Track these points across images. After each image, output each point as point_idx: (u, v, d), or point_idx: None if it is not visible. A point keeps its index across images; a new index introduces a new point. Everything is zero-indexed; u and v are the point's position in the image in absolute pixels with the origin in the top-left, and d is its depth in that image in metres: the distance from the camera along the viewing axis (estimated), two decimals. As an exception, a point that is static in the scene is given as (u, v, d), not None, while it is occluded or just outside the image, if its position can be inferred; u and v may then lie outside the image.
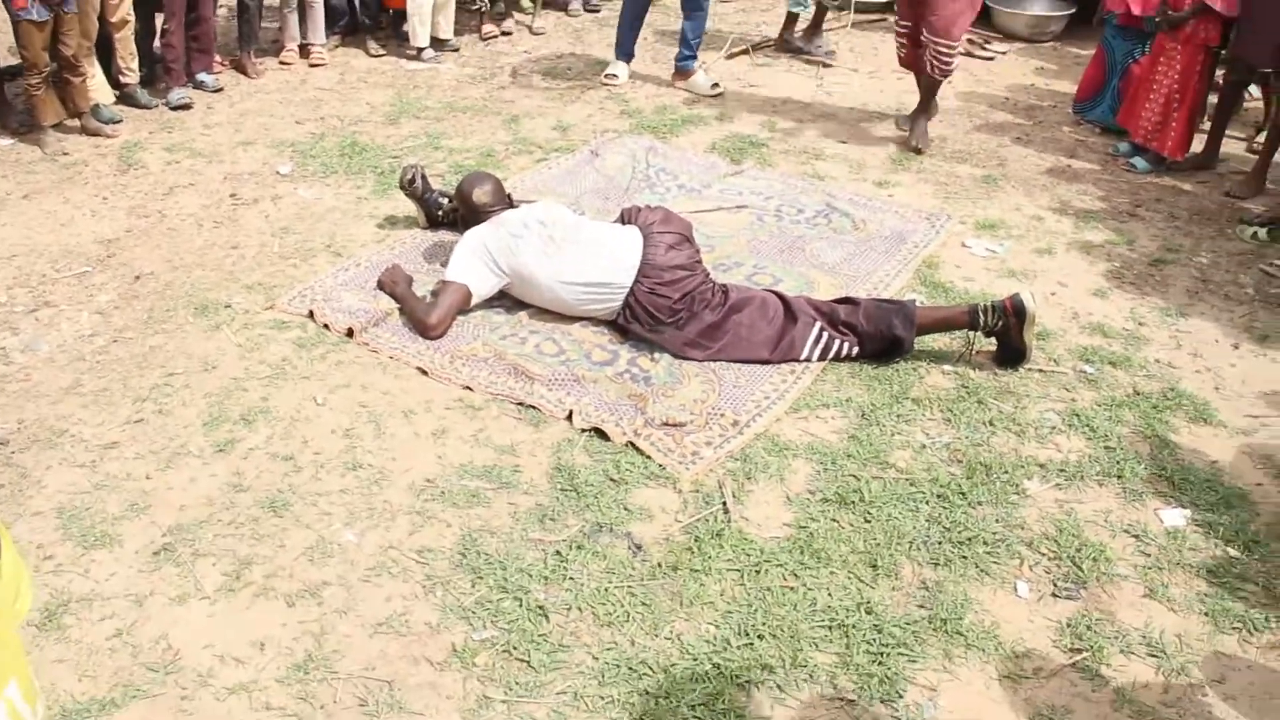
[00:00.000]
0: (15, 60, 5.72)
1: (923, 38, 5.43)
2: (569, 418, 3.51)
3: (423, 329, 3.89)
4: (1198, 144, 5.68)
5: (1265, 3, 5.09)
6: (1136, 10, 5.69)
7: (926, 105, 5.79)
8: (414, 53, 7.07)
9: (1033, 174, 5.55)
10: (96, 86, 5.84)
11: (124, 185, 5.22)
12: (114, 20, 5.83)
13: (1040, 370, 3.85)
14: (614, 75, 6.60)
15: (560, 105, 6.28)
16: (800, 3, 7.14)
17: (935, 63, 5.46)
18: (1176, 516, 3.18)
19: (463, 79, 6.75)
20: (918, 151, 5.63)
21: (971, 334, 3.84)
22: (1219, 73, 5.64)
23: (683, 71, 6.55)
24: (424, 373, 3.75)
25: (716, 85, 6.46)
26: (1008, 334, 3.77)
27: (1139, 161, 5.64)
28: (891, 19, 7.93)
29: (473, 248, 4.04)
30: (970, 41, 7.47)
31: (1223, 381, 3.86)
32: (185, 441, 3.43)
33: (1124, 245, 4.83)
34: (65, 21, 5.40)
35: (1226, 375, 3.91)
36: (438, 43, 7.16)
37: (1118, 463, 3.40)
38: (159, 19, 6.22)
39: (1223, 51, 5.44)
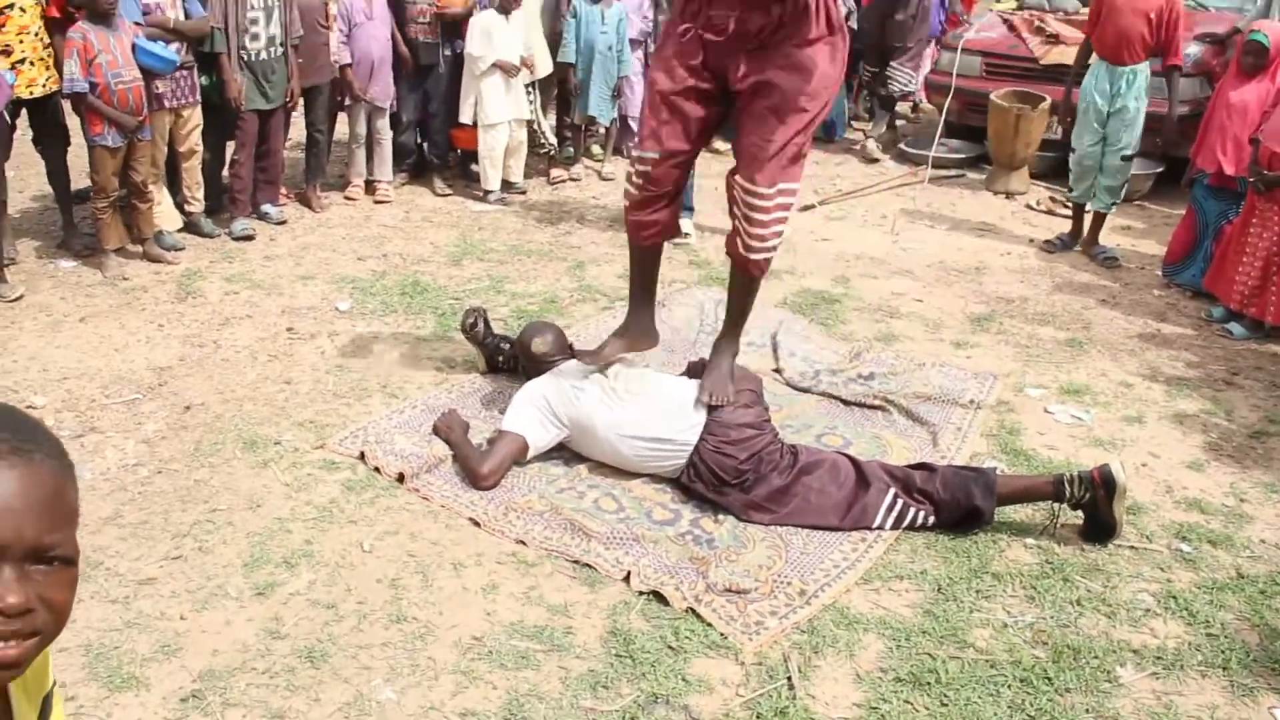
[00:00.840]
0: (86, 184, 5.76)
1: (734, 185, 3.72)
2: (626, 579, 3.31)
3: (474, 479, 3.75)
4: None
5: None
6: (1230, 170, 5.61)
7: (733, 326, 4.04)
8: (481, 194, 7.10)
9: (1120, 338, 5.38)
10: (163, 213, 5.89)
11: (181, 313, 5.18)
12: (182, 149, 5.90)
13: (1132, 547, 3.61)
14: (685, 234, 6.44)
15: (627, 253, 6.21)
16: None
17: (744, 236, 3.73)
18: (1292, 718, 2.91)
19: (529, 222, 6.73)
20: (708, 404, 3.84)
21: (1056, 506, 3.63)
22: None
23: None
24: (476, 524, 3.58)
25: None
26: (1096, 507, 3.56)
27: (1235, 327, 5.47)
28: (971, 174, 7.97)
29: (531, 398, 3.92)
30: (1052, 199, 7.44)
31: (1337, 567, 3.59)
32: (223, 582, 3.26)
33: (1221, 415, 4.61)
34: (138, 149, 5.47)
35: (1341, 560, 3.64)
36: (506, 185, 7.19)
37: (1222, 652, 3.13)
38: (229, 148, 6.29)
39: None
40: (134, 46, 5.32)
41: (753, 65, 3.53)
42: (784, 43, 3.50)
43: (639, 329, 4.05)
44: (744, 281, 3.88)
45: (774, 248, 3.74)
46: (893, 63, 8.35)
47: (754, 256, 3.72)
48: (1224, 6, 7.90)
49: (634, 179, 3.81)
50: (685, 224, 6.58)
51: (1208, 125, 5.87)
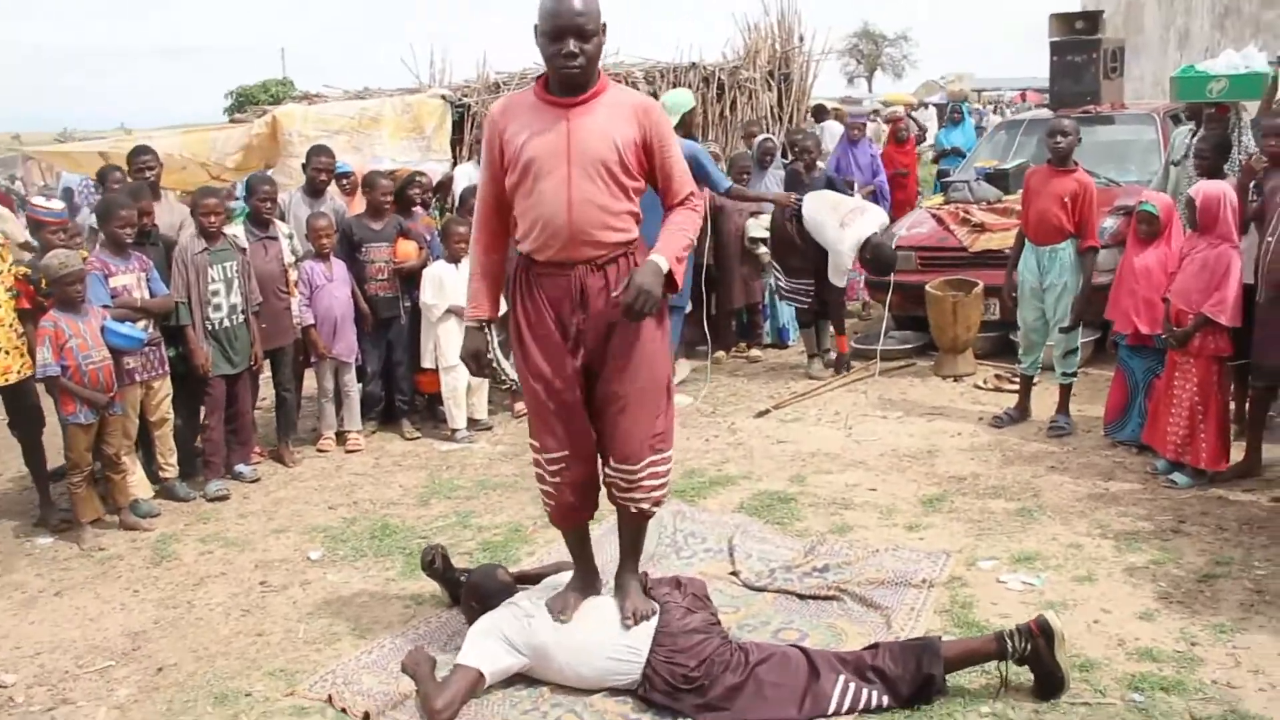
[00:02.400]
0: (61, 462, 5.97)
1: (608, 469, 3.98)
2: (591, 791, 3.36)
3: (429, 715, 3.80)
4: (1237, 453, 5.69)
5: (1271, 311, 5.30)
6: (1144, 329, 5.89)
7: (630, 560, 4.14)
8: (449, 433, 7.32)
9: (1069, 500, 5.52)
10: (136, 482, 6.07)
11: (156, 577, 5.30)
12: (154, 419, 6.14)
13: (1085, 704, 3.65)
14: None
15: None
16: None
17: (625, 496, 3.97)
18: None
19: (495, 456, 6.94)
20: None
21: (1003, 665, 3.71)
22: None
23: None
24: (443, 753, 3.63)
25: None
26: (1039, 658, 3.64)
27: (1179, 477, 5.64)
28: (920, 362, 8.23)
29: (487, 630, 4.04)
30: (998, 377, 7.71)
31: (1291, 699, 3.64)
32: (193, 840, 3.29)
33: (1170, 563, 4.72)
34: (109, 423, 5.71)
35: (1294, 692, 3.69)
36: (472, 422, 7.43)
37: (1178, 798, 3.16)
38: (202, 413, 6.54)
39: (1238, 360, 5.60)
40: (103, 328, 5.62)
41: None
42: None
43: (589, 581, 4.19)
44: (634, 523, 4.09)
45: (660, 498, 4.00)
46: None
47: (647, 506, 3.99)
48: (1133, 180, 8.38)
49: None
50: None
51: (1118, 290, 6.22)
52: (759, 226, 8.82)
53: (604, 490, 4.04)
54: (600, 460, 3.98)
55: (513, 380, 7.66)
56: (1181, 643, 4.06)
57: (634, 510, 3.97)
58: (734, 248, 8.95)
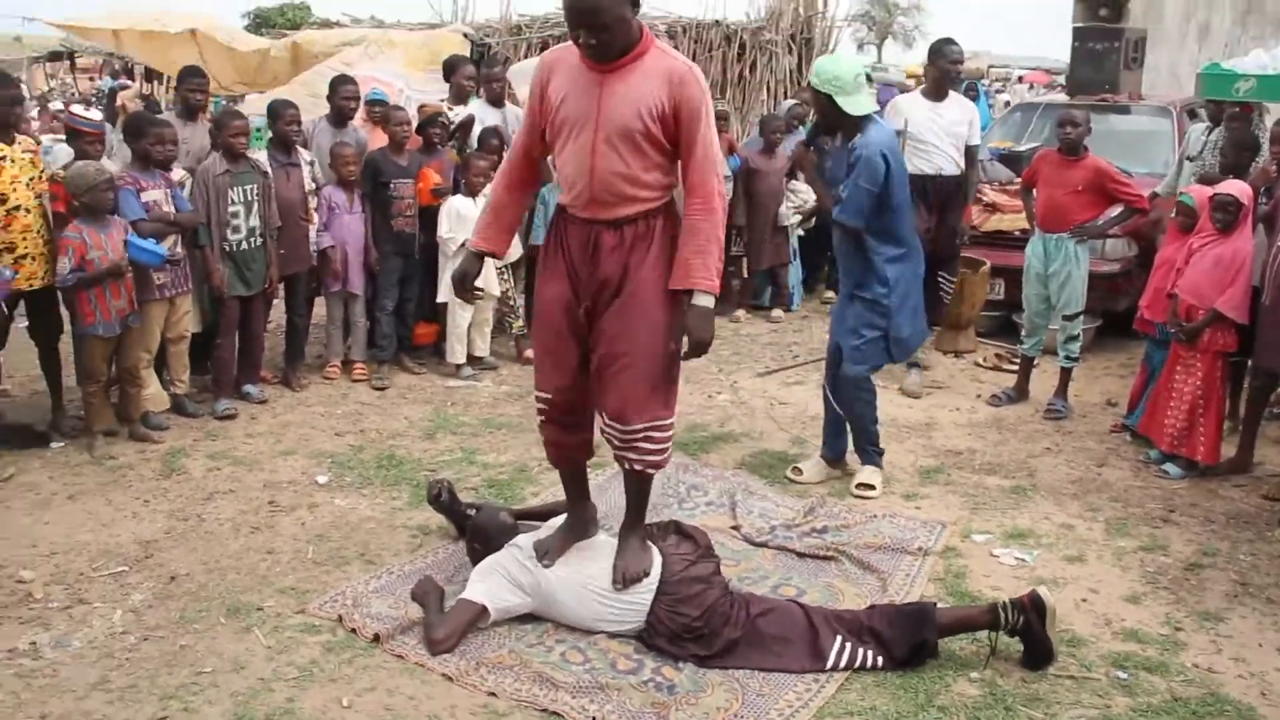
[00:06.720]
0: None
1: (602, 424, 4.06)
2: (592, 724, 3.49)
3: (430, 644, 3.92)
4: (1230, 449, 5.84)
5: (1275, 312, 5.40)
6: (1147, 316, 6.02)
7: (635, 516, 4.16)
8: (454, 368, 7.42)
9: (1063, 483, 5.66)
10: (151, 396, 6.13)
11: (165, 489, 5.40)
12: (171, 335, 6.21)
13: (1071, 677, 3.81)
14: None
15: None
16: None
17: (621, 453, 4.03)
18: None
19: (500, 397, 7.04)
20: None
21: (994, 635, 3.86)
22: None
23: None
24: (449, 679, 3.75)
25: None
26: (1030, 631, 3.80)
27: (1171, 468, 5.78)
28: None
29: (491, 569, 4.16)
30: (998, 356, 7.83)
31: (1269, 687, 3.80)
32: (208, 742, 3.41)
33: (1158, 551, 4.87)
34: (129, 336, 5.78)
35: (1273, 680, 3.84)
36: (475, 360, 7.52)
37: (1157, 770, 3.32)
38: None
39: (1245, 359, 5.74)
40: (126, 243, 5.68)
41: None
42: None
43: (580, 525, 4.28)
44: (635, 481, 4.12)
45: (658, 463, 4.03)
46: (941, 274, 7.21)
47: (641, 468, 4.02)
48: (1144, 173, 8.47)
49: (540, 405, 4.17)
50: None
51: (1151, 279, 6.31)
52: (791, 214, 9.04)
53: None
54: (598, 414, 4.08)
55: (522, 323, 7.82)
56: (1166, 627, 4.21)
57: (629, 468, 4.05)
58: (766, 210, 9.06)
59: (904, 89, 16.05)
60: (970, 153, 7.18)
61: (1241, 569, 4.72)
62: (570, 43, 3.76)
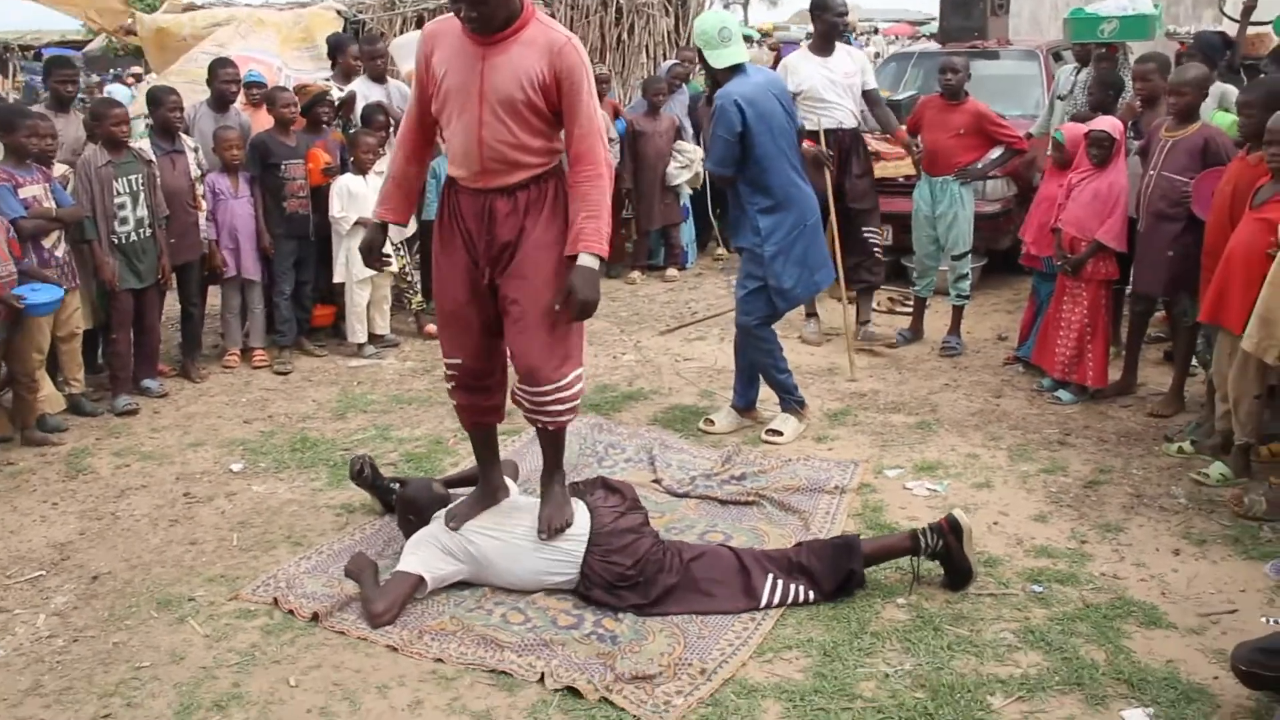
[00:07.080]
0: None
1: (516, 390, 4.10)
2: (541, 680, 3.55)
3: (370, 617, 3.95)
4: (1115, 372, 6.14)
5: (1149, 240, 5.66)
6: (1033, 251, 6.26)
7: (554, 465, 4.25)
8: (355, 348, 7.36)
9: (964, 415, 5.90)
10: (45, 398, 5.96)
11: (73, 490, 5.28)
12: (62, 334, 6.03)
13: (991, 594, 4.02)
14: None
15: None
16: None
17: (532, 416, 4.09)
18: (1139, 715, 3.29)
19: (405, 373, 7.02)
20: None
21: (915, 560, 4.04)
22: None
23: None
24: (394, 649, 3.78)
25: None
26: (949, 553, 3.99)
27: (1064, 394, 6.06)
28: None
29: (423, 540, 4.19)
30: (891, 300, 8.04)
31: (1168, 586, 4.06)
32: (156, 733, 3.39)
33: (1058, 472, 5.12)
34: (21, 338, 5.59)
35: (1171, 580, 4.11)
36: (376, 339, 7.48)
37: (1076, 671, 3.52)
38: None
39: (1125, 286, 6.02)
40: (23, 303, 5.47)
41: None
42: None
43: (490, 490, 4.35)
44: (550, 436, 4.20)
45: (567, 418, 4.12)
46: (865, 229, 7.17)
47: (554, 428, 4.12)
48: (1017, 115, 8.73)
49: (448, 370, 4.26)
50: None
51: (1030, 214, 6.57)
52: (681, 175, 9.11)
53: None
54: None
55: (419, 299, 7.78)
56: (1072, 541, 4.45)
57: (541, 427, 4.14)
58: (654, 171, 9.12)
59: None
60: (871, 95, 7.24)
61: (1135, 482, 5.00)
62: (451, 14, 3.80)
